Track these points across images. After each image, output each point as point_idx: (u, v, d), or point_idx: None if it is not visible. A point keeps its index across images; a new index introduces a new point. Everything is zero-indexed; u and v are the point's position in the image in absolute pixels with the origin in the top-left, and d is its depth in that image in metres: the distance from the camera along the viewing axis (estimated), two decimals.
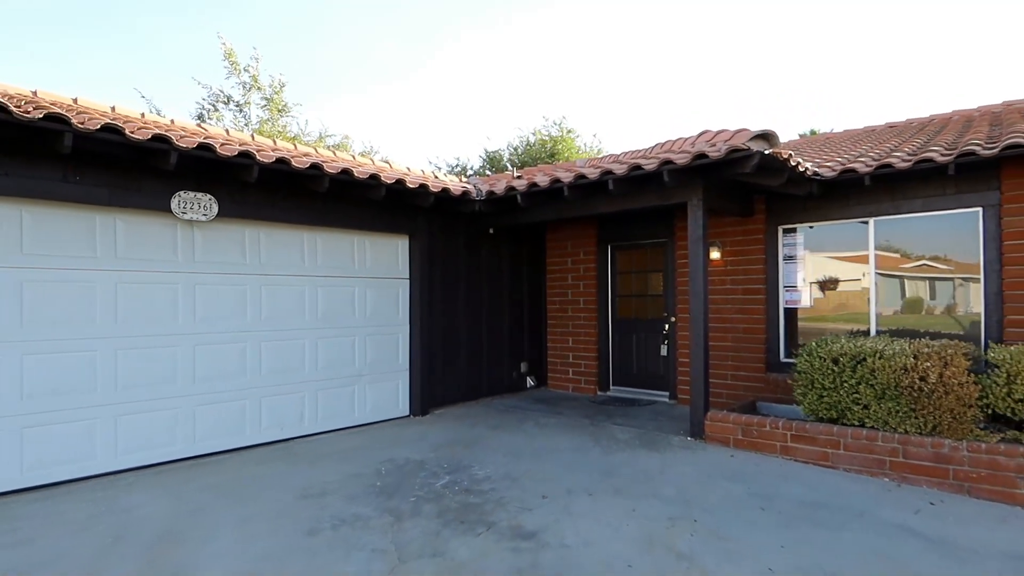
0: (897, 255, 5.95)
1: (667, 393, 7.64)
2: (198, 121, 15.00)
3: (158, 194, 4.75)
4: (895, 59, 35.56)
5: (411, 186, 5.93)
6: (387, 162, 9.75)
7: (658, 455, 5.21)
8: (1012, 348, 4.40)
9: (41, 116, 3.61)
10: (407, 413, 6.83)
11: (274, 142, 7.97)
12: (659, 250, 7.79)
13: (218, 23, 25.94)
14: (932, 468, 4.35)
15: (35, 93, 5.95)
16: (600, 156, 9.88)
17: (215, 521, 3.75)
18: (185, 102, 28.87)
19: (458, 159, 21.54)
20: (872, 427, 4.69)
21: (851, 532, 3.60)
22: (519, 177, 7.76)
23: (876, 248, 5.96)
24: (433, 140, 34.92)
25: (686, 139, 5.83)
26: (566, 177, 5.87)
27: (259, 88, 15.49)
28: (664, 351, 7.68)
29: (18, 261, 4.24)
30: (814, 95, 36.02)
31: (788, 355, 6.45)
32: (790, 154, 4.87)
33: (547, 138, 19.88)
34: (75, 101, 6.28)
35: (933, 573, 3.08)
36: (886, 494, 4.26)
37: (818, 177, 5.54)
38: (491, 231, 7.81)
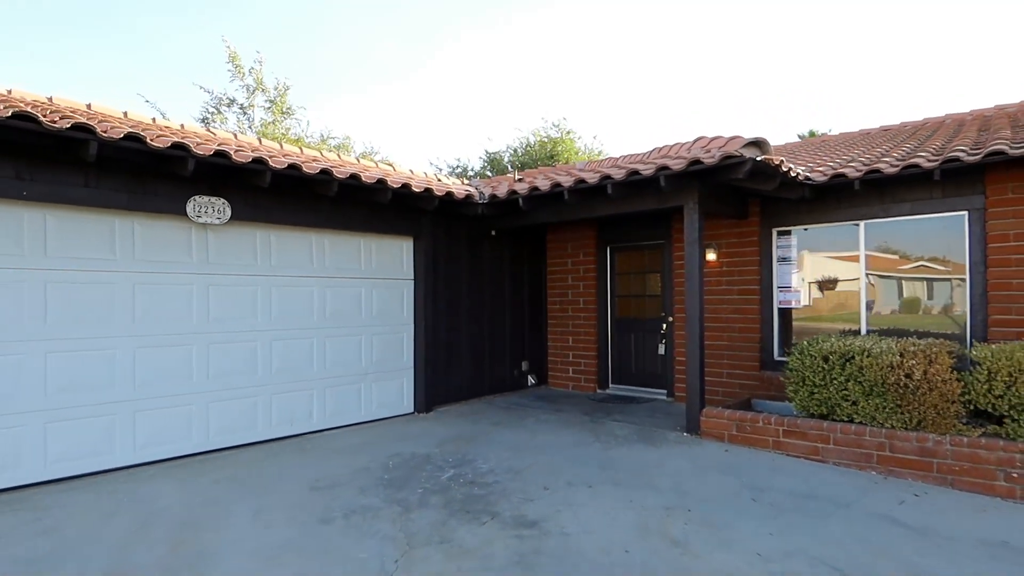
0: (887, 257, 6.14)
1: (665, 391, 7.83)
2: (203, 124, 15.21)
3: (174, 198, 4.94)
4: (895, 59, 35.77)
5: (416, 190, 6.12)
6: (390, 164, 9.94)
7: (655, 450, 5.40)
8: (993, 346, 4.59)
9: (69, 126, 3.80)
10: (412, 410, 7.03)
11: (280, 145, 8.16)
12: (657, 251, 7.98)
13: (218, 23, 26.14)
14: (917, 462, 4.54)
15: (51, 99, 6.15)
16: (599, 159, 10.08)
17: (233, 511, 3.94)
18: (185, 102, 29.11)
19: (459, 160, 21.78)
20: (860, 422, 4.88)
21: (837, 521, 3.79)
22: (520, 180, 7.95)
23: (866, 250, 6.16)
24: (433, 140, 35.16)
25: (683, 144, 6.02)
26: (566, 181, 6.06)
27: (264, 90, 15.69)
28: (662, 350, 7.87)
29: (42, 263, 4.43)
30: (814, 95, 36.26)
31: (782, 354, 6.65)
32: (781, 160, 5.06)
33: (547, 139, 20.08)
34: (88, 106, 6.47)
35: (911, 557, 3.27)
36: (873, 486, 4.45)
37: (810, 181, 5.74)
38: (493, 233, 8.00)
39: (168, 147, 4.27)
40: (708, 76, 38.81)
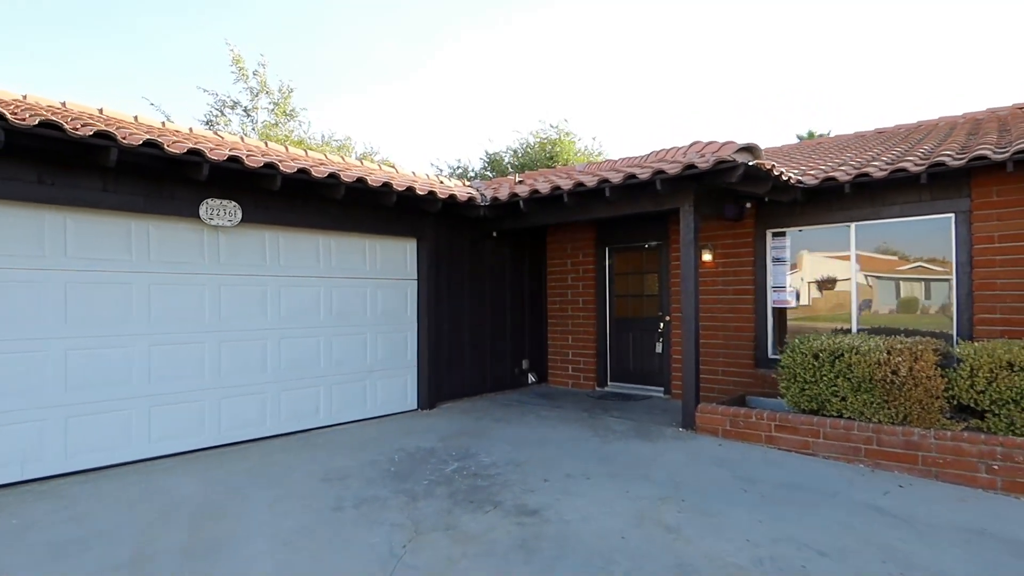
0: (877, 257, 6.33)
1: (662, 388, 8.02)
2: (208, 126, 15.39)
3: (188, 202, 5.13)
4: (895, 59, 35.95)
5: (420, 193, 6.31)
6: (392, 166, 10.13)
7: (651, 444, 5.59)
8: (976, 344, 4.78)
9: (91, 133, 3.99)
10: (415, 407, 7.22)
11: (286, 148, 8.35)
12: (654, 252, 8.17)
13: (218, 23, 26.28)
14: (903, 455, 4.73)
15: (64, 104, 6.35)
16: (598, 162, 10.28)
17: (248, 500, 4.13)
18: (185, 102, 29.28)
19: (459, 161, 21.97)
20: (849, 417, 5.07)
21: (824, 510, 3.98)
22: (520, 182, 8.14)
23: (857, 250, 6.34)
24: (433, 141, 35.33)
25: (678, 149, 6.21)
26: (566, 184, 6.24)
27: (268, 93, 15.88)
28: (659, 348, 8.06)
29: (63, 264, 4.62)
30: (814, 95, 36.45)
31: (775, 352, 6.83)
32: (773, 165, 5.25)
33: (546, 141, 20.27)
34: (100, 111, 6.67)
35: (892, 543, 3.46)
36: (860, 478, 4.64)
37: (802, 185, 5.92)
38: (494, 234, 8.19)
39: (184, 153, 4.46)
40: (708, 76, 39.03)
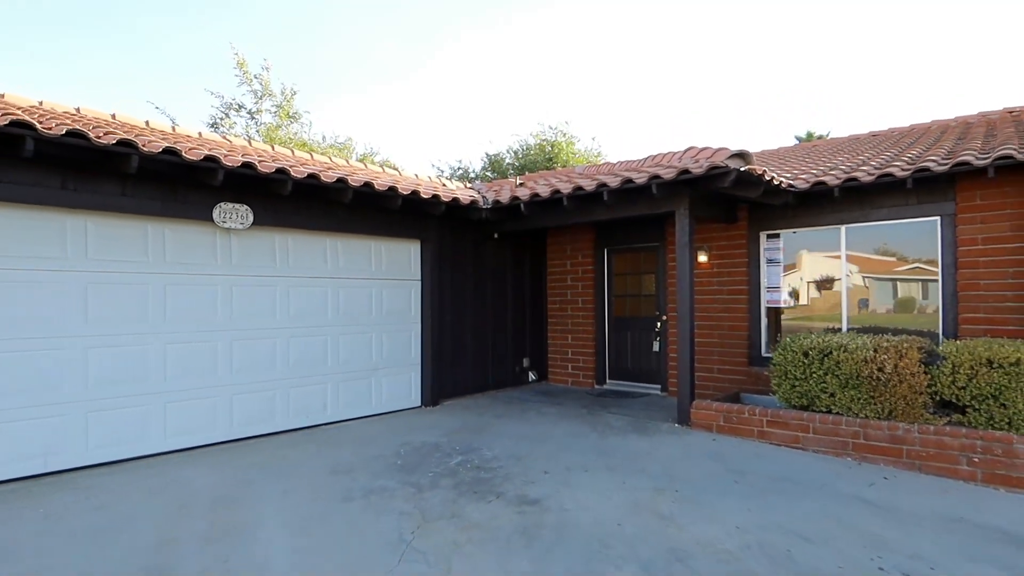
0: (866, 258, 6.54)
1: (659, 386, 8.23)
2: (213, 129, 15.60)
3: (202, 205, 5.34)
4: (895, 59, 36.16)
5: (425, 196, 6.52)
6: (396, 169, 10.34)
7: (648, 439, 5.79)
8: (958, 342, 4.99)
9: (115, 141, 4.19)
10: (419, 404, 7.42)
11: (292, 152, 8.55)
12: (652, 254, 8.38)
13: (218, 23, 26.46)
14: (888, 448, 4.93)
15: (78, 110, 6.56)
16: (597, 164, 10.48)
17: (261, 491, 4.34)
18: (185, 102, 29.44)
19: (460, 162, 22.16)
20: (837, 413, 5.27)
21: (811, 500, 4.18)
22: (521, 185, 8.35)
23: (847, 251, 6.55)
24: (434, 141, 35.54)
25: (674, 154, 6.42)
26: (565, 188, 6.45)
27: (271, 95, 16.09)
28: (656, 347, 8.27)
29: (84, 266, 4.82)
30: (814, 96, 36.65)
31: (769, 350, 7.04)
32: (764, 170, 5.46)
33: (546, 142, 20.49)
34: (113, 116, 6.88)
35: (873, 530, 3.66)
36: (847, 471, 4.85)
37: (793, 188, 6.13)
38: (496, 235, 8.40)
39: (201, 159, 4.67)
40: (707, 77, 39.25)
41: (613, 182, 6.00)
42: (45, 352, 4.60)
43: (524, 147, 20.72)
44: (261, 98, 15.88)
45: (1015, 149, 5.15)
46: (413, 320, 7.44)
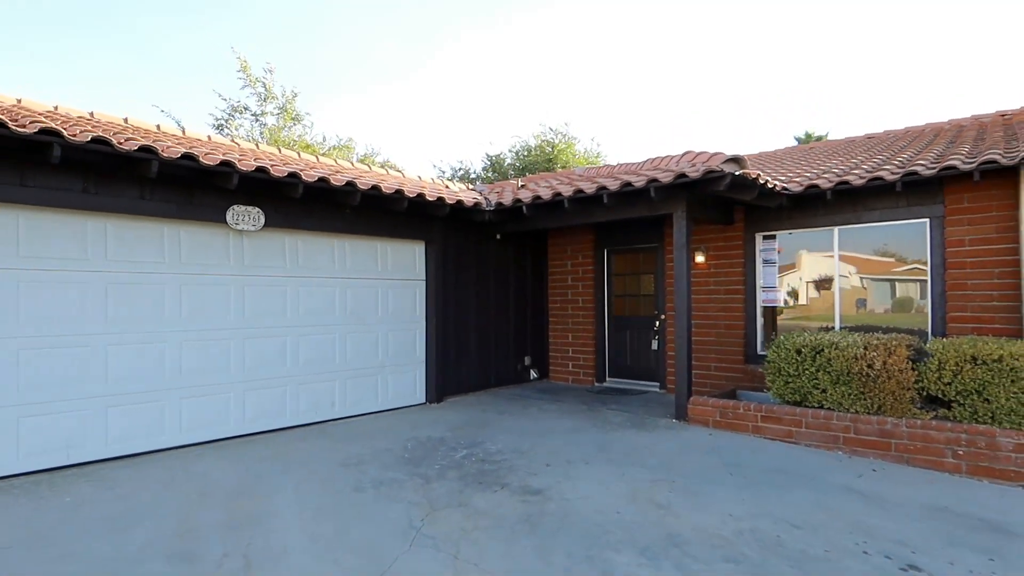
0: (858, 259, 6.73)
1: (657, 384, 8.42)
2: (217, 130, 15.78)
3: (216, 208, 5.53)
4: (895, 59, 36.35)
5: (430, 199, 6.72)
6: (400, 170, 10.54)
7: (646, 434, 5.99)
8: (944, 340, 5.18)
9: (136, 148, 4.38)
10: (424, 400, 7.62)
11: (298, 154, 8.75)
12: (651, 254, 8.57)
13: (218, 23, 26.61)
14: (878, 442, 5.13)
15: (92, 114, 6.76)
16: (597, 166, 10.65)
17: (276, 483, 4.53)
18: (185, 102, 29.54)
19: (461, 162, 22.36)
20: (829, 408, 5.47)
21: (801, 490, 4.38)
22: (523, 187, 8.54)
23: (840, 251, 6.75)
24: (434, 141, 35.72)
25: (672, 157, 6.61)
26: (566, 191, 6.64)
27: (273, 98, 16.29)
28: (655, 345, 8.46)
29: (104, 266, 5.02)
30: (814, 96, 36.84)
31: (764, 348, 7.23)
32: (758, 174, 5.65)
33: (547, 143, 20.69)
34: (126, 120, 7.09)
35: (860, 518, 3.86)
36: (837, 463, 5.04)
37: (787, 192, 6.32)
38: (498, 236, 8.60)
39: (217, 164, 4.86)
40: (707, 77, 39.45)
41: (613, 185, 6.19)
42: (68, 350, 4.80)
43: (525, 148, 20.92)
44: (265, 100, 16.07)
45: (1000, 154, 5.34)
46: (418, 319, 7.63)
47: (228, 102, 15.92)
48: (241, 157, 5.56)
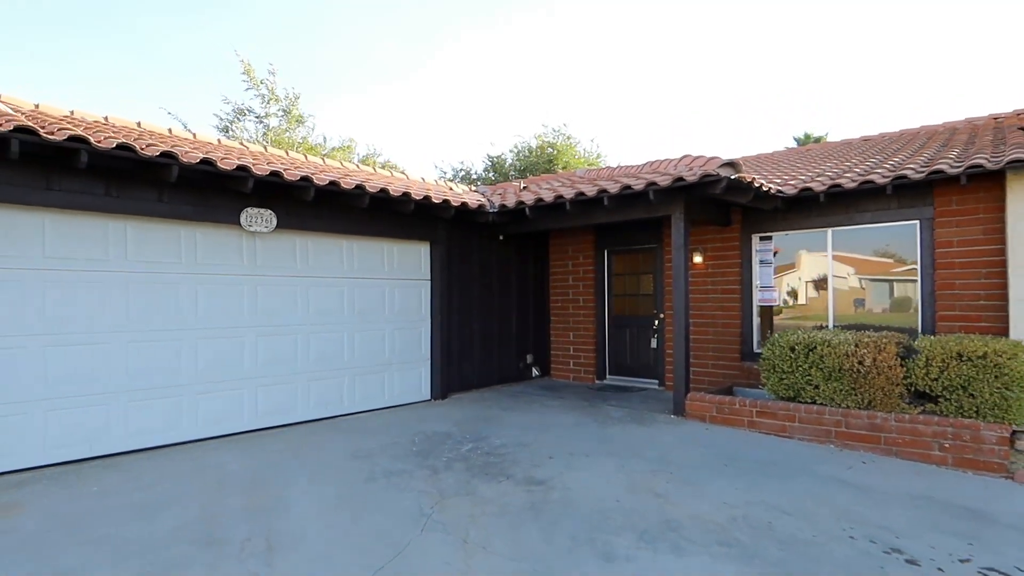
0: (852, 259, 6.93)
1: (656, 381, 8.63)
2: (223, 132, 15.99)
3: (230, 210, 5.73)
4: (895, 60, 36.54)
5: (436, 201, 6.92)
6: (404, 172, 10.73)
7: (645, 428, 6.19)
8: (932, 337, 5.38)
9: (158, 153, 4.59)
10: (429, 397, 7.83)
11: (305, 157, 8.96)
12: (650, 255, 8.78)
13: (218, 23, 26.77)
14: (868, 436, 5.33)
15: (106, 119, 6.96)
16: (597, 168, 10.88)
17: (290, 473, 4.74)
18: (185, 102, 29.75)
19: (462, 163, 22.61)
20: (821, 403, 5.67)
21: (794, 481, 4.58)
22: (525, 189, 8.75)
23: (834, 252, 6.95)
24: (435, 141, 35.89)
25: (670, 160, 6.81)
26: (568, 193, 6.85)
27: (276, 100, 16.49)
28: (654, 344, 8.67)
29: (124, 267, 5.22)
30: (814, 96, 37.04)
31: (760, 346, 7.43)
32: (753, 177, 5.85)
33: (547, 144, 20.90)
34: (139, 124, 7.29)
35: (847, 506, 4.06)
36: (829, 456, 5.25)
37: (781, 194, 6.53)
38: (501, 237, 8.80)
39: (234, 169, 5.06)
40: (707, 77, 39.65)
41: (613, 188, 6.39)
42: (91, 346, 5.00)
43: (526, 149, 21.13)
44: (268, 102, 16.28)
45: (986, 158, 5.54)
46: (423, 318, 7.84)
47: (231, 104, 16.14)
48: (255, 161, 5.77)
